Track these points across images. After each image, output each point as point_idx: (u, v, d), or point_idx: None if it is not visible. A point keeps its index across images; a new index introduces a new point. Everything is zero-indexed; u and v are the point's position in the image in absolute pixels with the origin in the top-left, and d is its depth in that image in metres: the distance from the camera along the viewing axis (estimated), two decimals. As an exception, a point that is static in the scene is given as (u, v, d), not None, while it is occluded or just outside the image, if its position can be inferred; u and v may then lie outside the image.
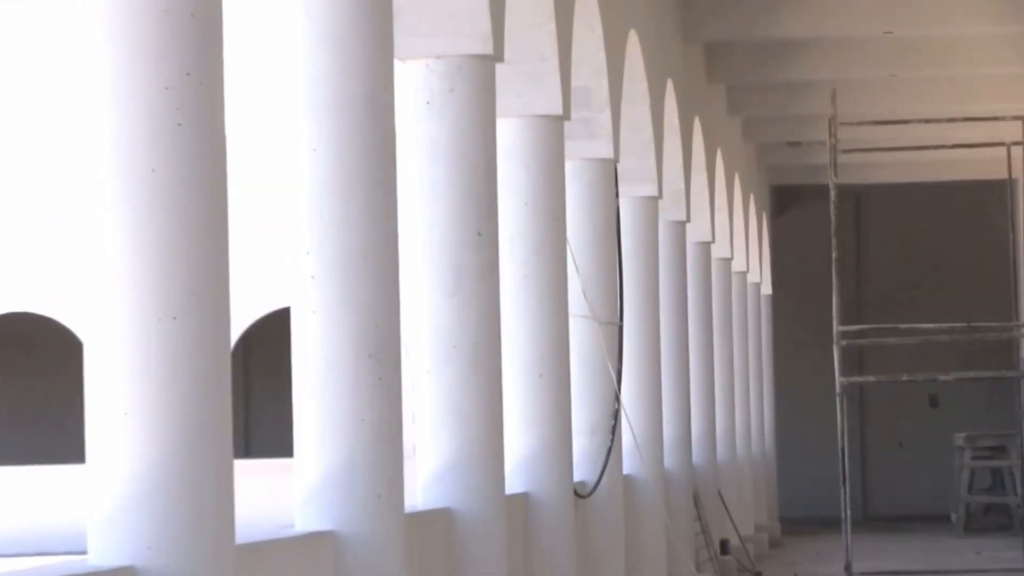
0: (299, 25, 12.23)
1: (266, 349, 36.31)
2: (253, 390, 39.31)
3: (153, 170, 9.25)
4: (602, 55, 20.49)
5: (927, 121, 29.55)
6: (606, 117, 20.53)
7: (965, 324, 31.96)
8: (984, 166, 35.03)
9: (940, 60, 31.06)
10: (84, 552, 9.44)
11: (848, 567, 26.24)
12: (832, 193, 28.61)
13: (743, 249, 36.80)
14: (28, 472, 38.28)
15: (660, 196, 24.35)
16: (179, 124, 9.30)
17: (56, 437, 37.81)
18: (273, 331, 35.19)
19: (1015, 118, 29.79)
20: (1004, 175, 33.03)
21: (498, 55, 15.35)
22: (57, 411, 38.34)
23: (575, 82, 19.55)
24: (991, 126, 30.59)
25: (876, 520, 41.47)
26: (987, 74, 32.40)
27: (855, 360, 32.57)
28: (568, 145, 18.89)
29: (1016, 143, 30.13)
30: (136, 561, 9.18)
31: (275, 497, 13.16)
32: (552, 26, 17.85)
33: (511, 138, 17.50)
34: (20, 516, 37.51)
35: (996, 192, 35.47)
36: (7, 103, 39.81)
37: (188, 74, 9.33)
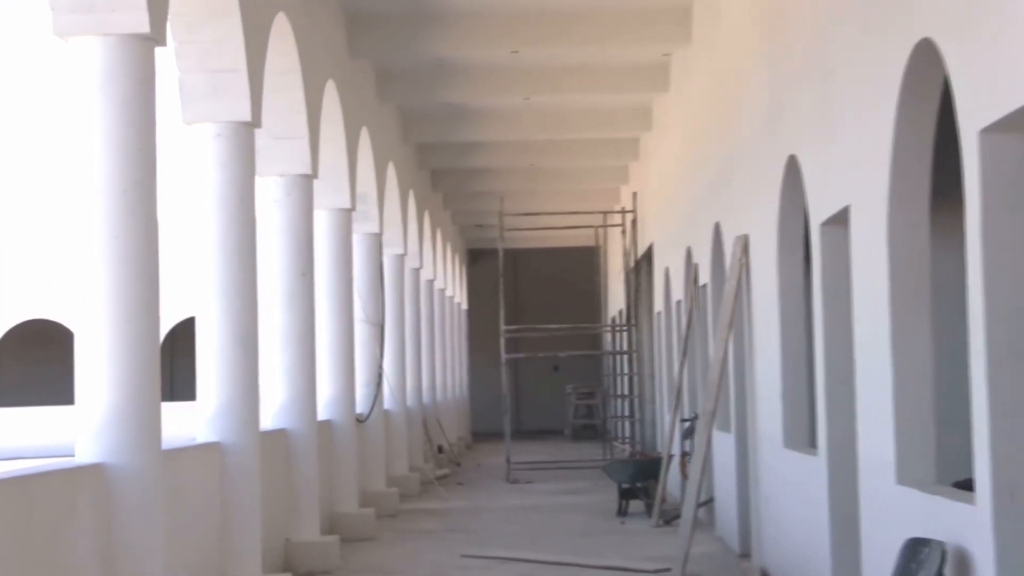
0: (207, 157, 12.07)
1: (184, 339, 35.59)
2: (176, 362, 38.55)
3: (116, 236, 9.19)
4: (373, 174, 20.43)
5: (552, 214, 29.80)
6: (375, 210, 20.50)
7: (572, 325, 32.25)
8: (583, 239, 35.38)
9: (558, 181, 31.33)
10: (73, 455, 9.24)
11: (508, 459, 26.30)
12: (500, 253, 28.78)
13: (453, 283, 36.92)
14: (40, 410, 37.23)
15: (405, 253, 24.35)
16: (133, 210, 9.17)
17: (59, 391, 36.97)
18: (187, 329, 34.65)
19: (598, 212, 30.27)
20: (593, 244, 33.64)
21: (315, 175, 15.25)
22: (60, 378, 37.46)
23: (359, 189, 19.52)
24: (586, 217, 30.87)
25: (524, 433, 41.59)
26: (583, 188, 32.65)
27: (513, 345, 32.58)
28: (355, 226, 18.86)
29: (600, 226, 30.60)
30: (104, 459, 9.02)
31: (187, 423, 12.95)
32: (345, 159, 17.79)
33: (324, 222, 17.48)
34: (35, 435, 36.46)
35: (590, 253, 35.88)
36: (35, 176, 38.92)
37: (138, 183, 9.18)
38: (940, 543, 7.18)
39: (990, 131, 6.52)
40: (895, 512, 8.29)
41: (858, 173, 9.00)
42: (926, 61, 7.66)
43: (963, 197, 6.81)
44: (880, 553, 8.60)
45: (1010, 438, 6.50)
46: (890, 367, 8.29)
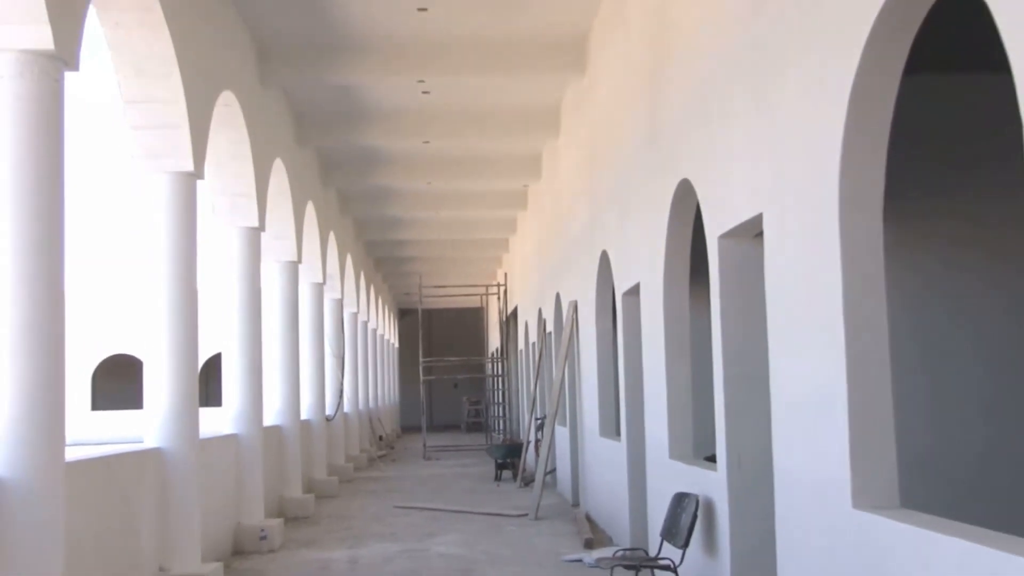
0: (231, 251, 11.87)
1: (213, 367, 34.92)
2: (209, 382, 37.64)
3: (171, 300, 8.93)
4: (337, 261, 20.25)
5: (453, 286, 29.71)
6: (339, 283, 20.30)
7: (466, 358, 32.11)
8: (473, 303, 35.28)
9: (457, 265, 31.27)
10: (141, 443, 9.08)
11: (424, 444, 26.05)
12: (420, 311, 28.61)
13: (389, 330, 36.47)
14: (120, 413, 36.23)
15: (358, 311, 24.12)
16: (182, 282, 8.95)
17: (132, 401, 35.97)
18: (215, 361, 33.96)
19: (482, 286, 30.16)
20: (479, 305, 33.42)
21: (300, 261, 15.01)
22: (133, 392, 36.50)
23: (328, 271, 19.32)
24: (475, 288, 30.83)
25: (435, 427, 41.24)
26: (473, 270, 32.53)
27: (428, 370, 32.37)
28: (325, 294, 18.61)
29: (484, 294, 30.42)
30: (162, 445, 8.86)
31: (215, 422, 12.68)
32: (319, 251, 17.61)
33: (305, 292, 17.24)
34: (116, 430, 35.43)
35: (477, 311, 35.77)
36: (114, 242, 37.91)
37: (184, 268, 8.96)
38: (696, 495, 7.31)
39: (724, 237, 6.74)
40: (668, 476, 8.43)
41: (645, 263, 9.20)
42: (685, 193, 7.90)
43: (709, 279, 7.03)
44: (659, 502, 8.74)
45: (736, 429, 6.67)
46: (664, 384, 8.46)
